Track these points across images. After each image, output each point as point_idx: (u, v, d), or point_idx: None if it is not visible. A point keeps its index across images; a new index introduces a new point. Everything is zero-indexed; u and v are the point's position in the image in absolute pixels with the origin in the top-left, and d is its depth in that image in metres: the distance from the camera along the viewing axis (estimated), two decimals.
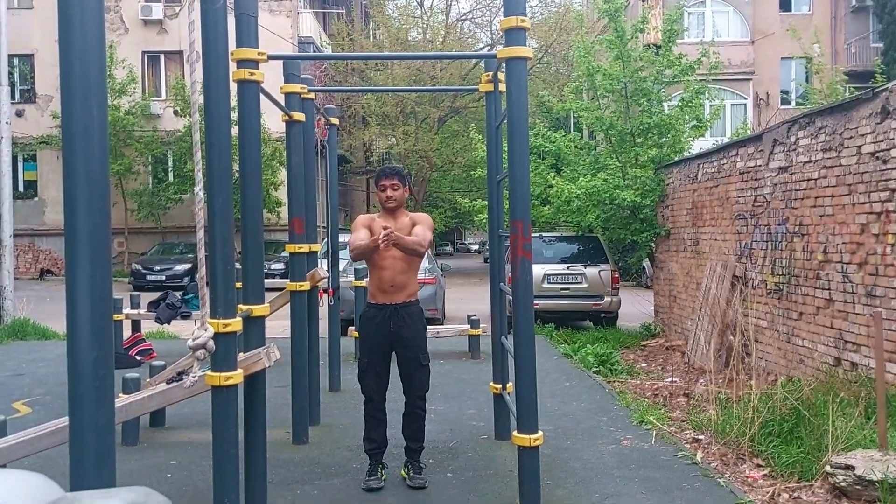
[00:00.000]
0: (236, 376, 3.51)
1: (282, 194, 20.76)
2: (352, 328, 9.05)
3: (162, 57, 25.18)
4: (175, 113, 22.93)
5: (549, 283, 12.25)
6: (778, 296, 7.59)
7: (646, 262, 16.02)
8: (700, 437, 5.54)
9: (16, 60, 23.27)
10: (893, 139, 5.67)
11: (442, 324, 11.75)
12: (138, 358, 8.32)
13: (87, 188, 2.04)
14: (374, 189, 5.00)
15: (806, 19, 24.93)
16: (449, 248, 52.61)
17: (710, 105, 14.84)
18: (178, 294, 8.71)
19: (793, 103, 24.51)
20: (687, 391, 7.17)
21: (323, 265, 6.91)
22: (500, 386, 5.38)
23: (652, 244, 12.39)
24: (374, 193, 4.56)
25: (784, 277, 7.46)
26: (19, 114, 23.30)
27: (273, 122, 12.26)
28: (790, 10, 25.96)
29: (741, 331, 7.27)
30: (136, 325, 8.97)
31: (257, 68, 4.01)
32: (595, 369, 8.35)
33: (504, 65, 4.11)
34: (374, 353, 4.47)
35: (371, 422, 4.51)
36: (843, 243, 6.37)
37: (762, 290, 7.94)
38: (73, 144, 2.03)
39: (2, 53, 11.94)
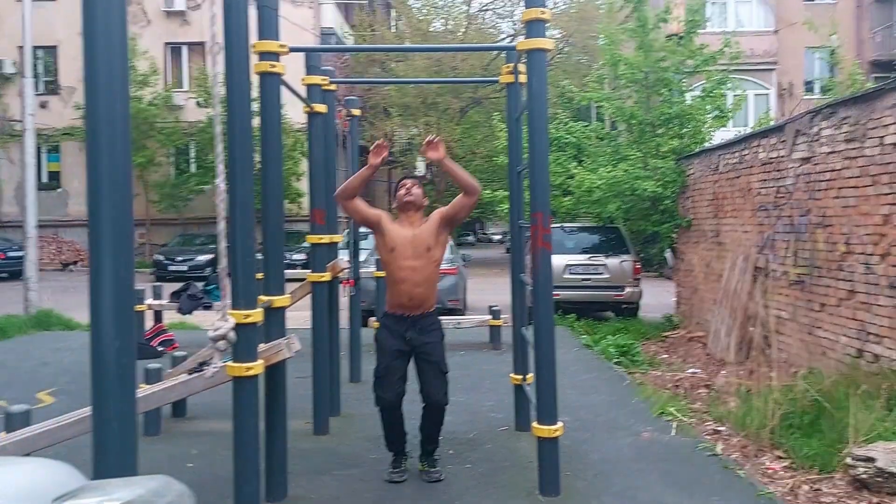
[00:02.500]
0: (257, 367, 3.55)
1: (303, 185, 20.86)
2: (372, 318, 9.09)
3: (184, 48, 25.34)
4: (198, 104, 23.07)
5: (570, 273, 12.21)
6: (800, 287, 7.52)
7: (667, 253, 15.92)
8: (720, 428, 5.52)
9: (39, 52, 23.51)
10: None
11: (463, 314, 11.77)
12: (160, 348, 8.42)
13: (109, 181, 2.07)
14: (395, 179, 4.98)
15: (830, 8, 24.55)
16: (471, 239, 52.58)
17: (733, 95, 14.68)
18: (200, 285, 8.79)
19: (817, 93, 24.17)
20: (708, 383, 7.14)
21: (344, 256, 6.95)
22: (520, 377, 5.39)
23: (673, 235, 12.31)
24: (396, 185, 4.50)
25: (806, 269, 7.39)
26: (43, 105, 23.56)
27: (295, 112, 12.30)
28: (814, 0, 25.60)
29: (762, 323, 7.21)
30: (158, 316, 9.07)
31: (279, 60, 4.03)
32: (616, 360, 8.33)
33: (524, 56, 4.10)
34: (392, 363, 4.33)
35: (388, 427, 4.45)
36: (866, 234, 6.29)
37: (784, 281, 7.87)
38: (96, 138, 2.06)
39: (26, 46, 12.08)
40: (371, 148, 4.39)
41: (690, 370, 8.01)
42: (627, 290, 12.24)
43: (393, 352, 4.34)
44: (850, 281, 6.56)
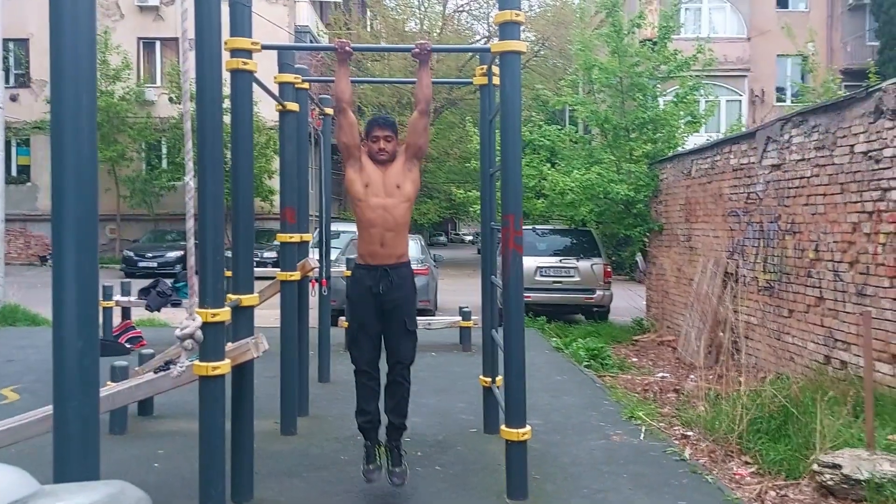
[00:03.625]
0: (224, 366, 3.51)
1: (275, 183, 20.71)
2: (342, 318, 9.05)
3: (158, 43, 25.05)
4: (170, 100, 22.83)
5: (541, 275, 12.25)
6: (769, 293, 7.61)
7: (638, 257, 16.05)
8: (689, 433, 5.56)
9: (11, 45, 23.12)
10: (886, 139, 5.68)
11: (434, 315, 11.76)
12: (128, 345, 8.30)
13: (74, 176, 2.03)
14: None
15: (803, 17, 24.92)
16: (443, 239, 52.61)
17: (705, 101, 14.84)
18: (169, 282, 8.69)
19: (788, 100, 24.52)
20: (677, 387, 7.20)
21: (314, 255, 6.90)
22: (489, 379, 5.38)
23: (645, 239, 12.41)
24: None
25: (775, 275, 7.48)
26: (13, 98, 23.17)
27: (267, 110, 12.21)
28: (787, 8, 25.96)
29: (732, 328, 7.29)
30: (126, 313, 8.94)
31: (251, 58, 3.99)
32: (586, 363, 8.36)
33: (498, 58, 4.10)
34: (364, 317, 4.17)
35: (364, 392, 4.22)
36: (835, 242, 6.38)
37: (753, 287, 7.96)
38: (61, 133, 2.02)
39: None
40: (335, 43, 4.26)
41: (660, 374, 8.06)
42: (598, 293, 12.31)
43: (365, 311, 4.17)
44: (818, 288, 6.65)
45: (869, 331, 4.61)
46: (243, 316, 4.00)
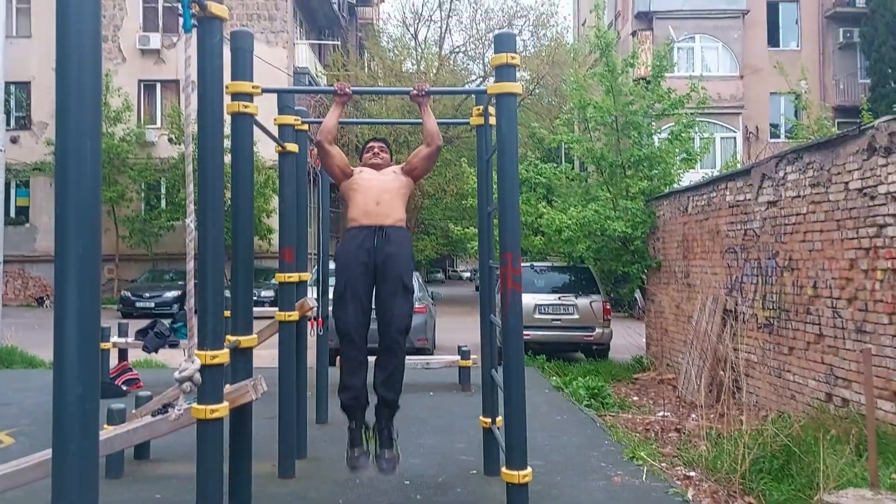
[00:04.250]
0: (222, 409, 3.48)
1: (273, 222, 20.77)
2: (340, 358, 9.00)
3: (158, 85, 25.32)
4: (170, 140, 23.01)
5: (540, 313, 12.23)
6: (768, 330, 7.60)
7: (637, 294, 16.05)
8: (691, 473, 5.51)
9: (12, 88, 23.33)
10: (880, 176, 5.73)
11: (432, 354, 11.70)
12: (124, 388, 8.24)
13: (77, 219, 2.03)
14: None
15: (794, 55, 25.27)
16: (440, 276, 52.55)
17: (700, 138, 14.99)
18: (167, 322, 8.66)
19: (782, 137, 24.76)
20: (678, 426, 7.14)
21: (312, 293, 6.90)
22: (489, 420, 5.34)
23: (643, 276, 12.42)
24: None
25: (774, 312, 7.48)
26: (14, 140, 23.33)
27: (266, 150, 12.28)
28: (778, 46, 26.34)
29: (732, 365, 7.26)
30: (123, 354, 8.89)
31: (252, 101, 4.03)
32: (586, 402, 8.31)
33: (494, 99, 4.15)
34: (354, 274, 3.84)
35: (349, 365, 3.87)
36: (833, 278, 6.40)
37: (753, 324, 7.95)
38: (65, 176, 2.03)
39: None
40: (336, 87, 4.35)
41: (661, 413, 8.01)
42: (598, 330, 12.27)
43: (355, 267, 3.88)
44: (817, 325, 6.65)
45: (869, 368, 4.61)
46: (242, 357, 3.98)
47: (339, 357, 3.82)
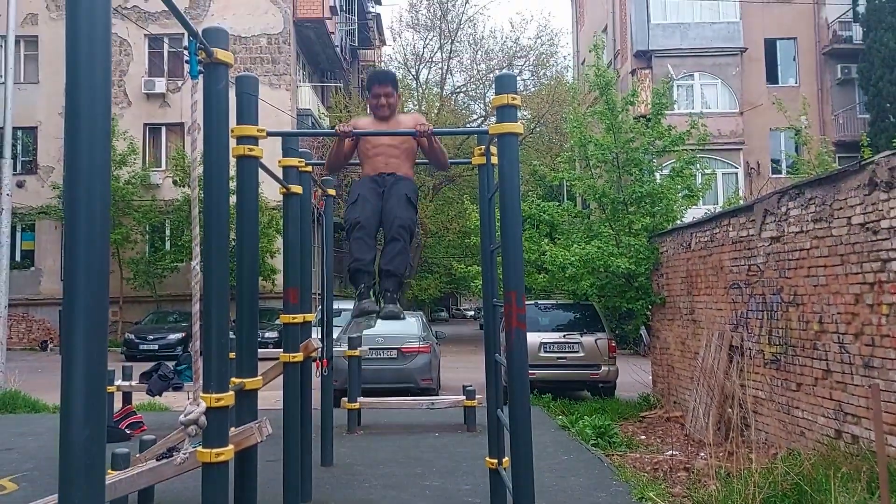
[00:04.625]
0: (227, 452, 3.46)
1: (277, 262, 20.81)
2: (345, 399, 8.96)
3: (163, 129, 25.59)
4: (174, 183, 23.17)
5: (545, 351, 12.17)
6: (776, 366, 7.56)
7: (643, 331, 15.98)
8: None
9: (19, 132, 23.59)
10: (882, 210, 5.75)
11: (437, 394, 11.63)
12: (128, 431, 8.19)
13: (85, 265, 2.04)
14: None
15: (793, 91, 25.51)
16: (444, 315, 52.39)
17: (702, 174, 15.06)
18: (171, 365, 8.64)
19: (783, 172, 24.88)
20: (687, 465, 7.06)
21: (316, 333, 6.89)
22: (496, 461, 5.29)
23: (648, 312, 12.39)
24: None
25: (781, 347, 7.44)
26: (20, 184, 23.51)
27: (270, 191, 12.36)
28: (777, 83, 26.59)
29: (740, 402, 7.20)
30: (127, 397, 8.86)
31: (256, 144, 4.08)
32: (593, 442, 8.22)
33: (496, 139, 4.19)
34: (367, 192, 4.28)
35: (359, 244, 4.23)
36: (839, 313, 6.38)
37: (759, 360, 7.91)
38: (75, 222, 2.05)
39: (6, 128, 12.14)
40: (336, 128, 4.44)
41: (669, 452, 7.92)
42: (603, 368, 12.20)
43: (367, 190, 4.31)
44: (824, 360, 6.61)
45: (878, 404, 4.57)
46: (247, 399, 3.97)
47: (350, 242, 4.28)
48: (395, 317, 4.15)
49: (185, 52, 3.19)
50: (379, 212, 4.30)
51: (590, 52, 15.12)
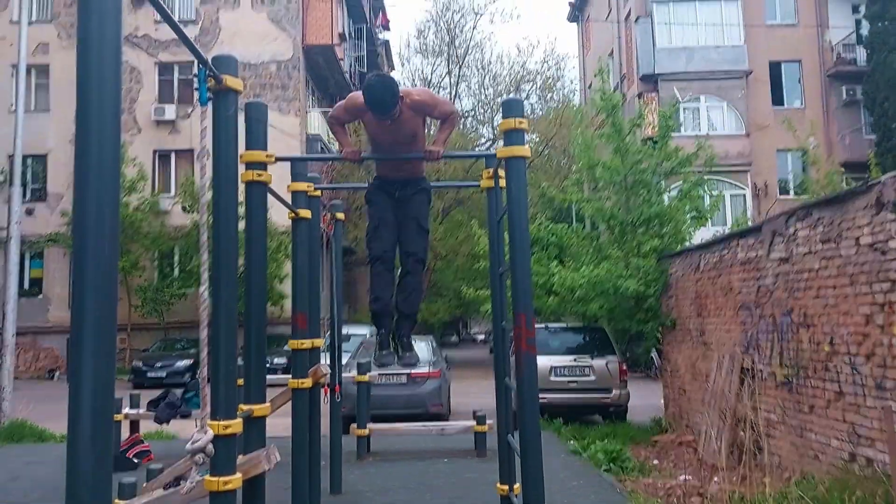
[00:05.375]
0: (235, 481, 3.43)
1: (286, 287, 20.81)
2: (354, 425, 8.90)
3: (173, 155, 25.74)
4: (183, 209, 23.26)
5: (555, 375, 12.09)
6: (787, 388, 7.48)
7: (653, 354, 15.88)
8: None
9: (30, 160, 23.79)
10: (890, 231, 5.71)
11: (447, 419, 11.55)
12: (135, 460, 8.16)
13: (94, 293, 2.05)
14: None
15: (799, 113, 25.53)
16: (454, 339, 52.15)
17: (710, 196, 15.05)
18: (179, 392, 8.61)
19: (791, 193, 24.83)
20: (701, 490, 6.97)
21: (325, 359, 6.86)
22: (507, 487, 5.23)
23: (658, 335, 12.31)
24: None
25: (792, 369, 7.37)
26: (29, 212, 23.63)
27: (279, 216, 12.39)
28: (783, 105, 26.62)
29: (752, 425, 7.12)
30: (134, 426, 8.82)
31: (265, 170, 4.10)
32: (605, 467, 8.14)
33: (504, 163, 4.20)
34: (383, 214, 4.58)
35: (380, 280, 4.57)
36: (849, 334, 6.32)
37: (771, 382, 7.83)
38: (84, 249, 2.05)
39: (16, 156, 12.25)
40: (343, 152, 4.64)
41: (682, 477, 7.83)
42: (615, 392, 12.10)
43: (383, 206, 4.62)
44: (836, 382, 6.54)
45: (892, 426, 4.51)
46: (255, 426, 3.94)
47: (371, 275, 4.66)
48: (412, 366, 4.63)
49: (196, 80, 3.22)
50: (396, 237, 4.62)
51: (595, 76, 15.18)
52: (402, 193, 4.63)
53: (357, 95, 4.51)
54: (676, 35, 26.39)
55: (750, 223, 13.79)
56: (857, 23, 26.50)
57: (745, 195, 25.87)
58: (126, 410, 8.62)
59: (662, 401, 12.04)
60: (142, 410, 8.62)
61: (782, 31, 26.67)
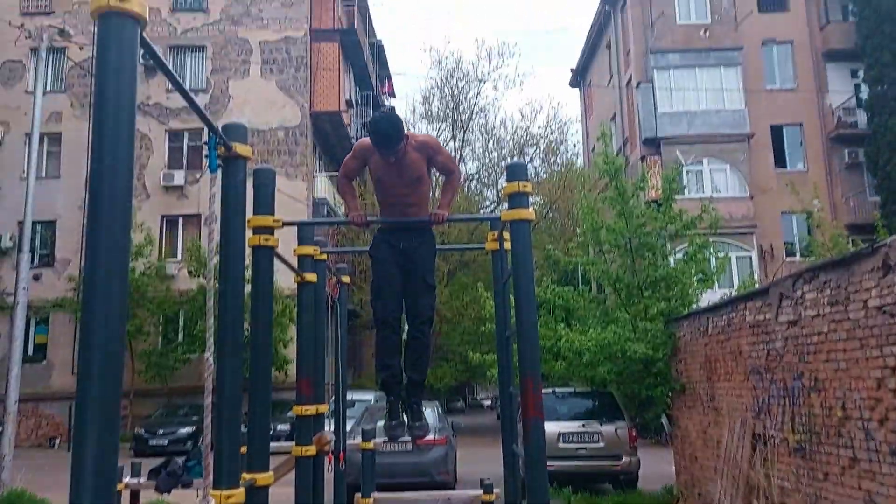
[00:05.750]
0: None
1: (290, 352, 20.69)
2: (358, 494, 8.71)
3: (180, 220, 25.97)
4: (189, 273, 23.32)
5: (563, 442, 11.90)
6: (801, 455, 7.33)
7: (664, 419, 15.65)
8: None
9: (38, 226, 23.98)
10: None
11: (454, 488, 11.32)
12: None
13: (101, 362, 2.03)
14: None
15: (802, 175, 25.73)
16: (460, 404, 51.50)
17: (716, 258, 15.05)
18: (181, 460, 8.48)
19: (798, 255, 24.82)
20: None
21: (329, 425, 6.77)
22: None
23: (668, 399, 12.15)
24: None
25: (805, 435, 7.24)
26: (36, 277, 23.72)
27: (285, 279, 12.41)
28: (785, 167, 26.84)
29: (766, 494, 6.96)
30: (135, 496, 8.65)
31: (272, 234, 4.12)
32: None
33: (508, 225, 4.22)
34: (387, 272, 4.48)
35: (386, 345, 4.49)
36: (861, 399, 6.23)
37: (784, 448, 7.68)
38: (92, 319, 2.04)
39: (26, 223, 12.39)
40: (350, 216, 4.60)
41: None
42: (625, 458, 11.88)
43: (388, 263, 4.50)
44: (850, 448, 6.41)
45: None
46: (258, 496, 3.86)
47: (377, 340, 4.60)
48: (422, 436, 4.55)
49: (205, 146, 3.27)
50: (401, 294, 4.54)
51: (598, 139, 15.40)
52: (407, 245, 4.53)
53: (363, 140, 4.64)
54: (677, 99, 26.83)
55: (757, 285, 13.74)
56: (857, 87, 26.94)
57: (751, 257, 25.87)
58: (127, 479, 8.46)
59: (674, 468, 11.80)
60: (143, 480, 8.46)
61: (783, 95, 27.10)
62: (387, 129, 4.27)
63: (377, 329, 4.54)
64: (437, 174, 5.12)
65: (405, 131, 4.36)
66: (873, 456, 6.05)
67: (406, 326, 4.75)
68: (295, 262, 5.56)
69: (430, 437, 11.57)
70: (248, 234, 3.94)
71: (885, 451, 5.88)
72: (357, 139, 31.05)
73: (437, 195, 5.12)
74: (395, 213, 4.57)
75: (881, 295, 5.92)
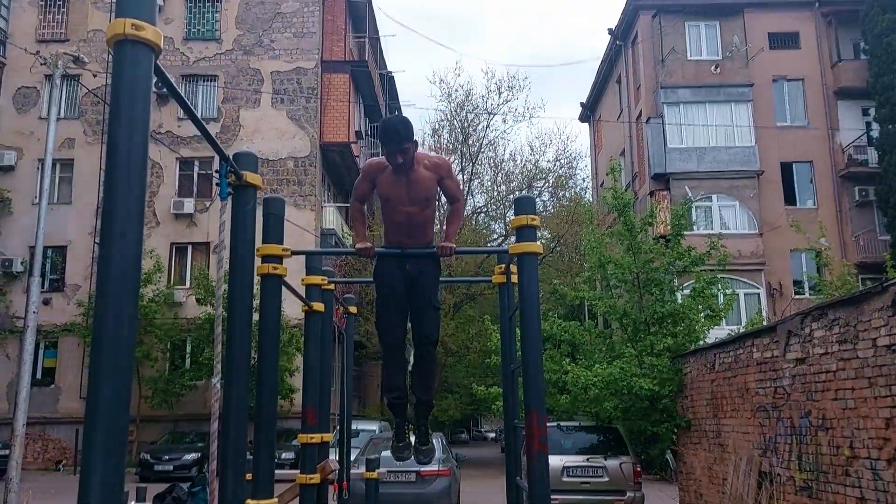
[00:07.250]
0: None
1: (296, 381, 20.65)
2: None
3: (189, 247, 26.09)
4: (197, 301, 23.37)
5: (568, 476, 11.79)
6: (807, 493, 7.26)
7: (669, 455, 15.51)
8: None
9: (49, 251, 24.14)
10: None
11: None
12: None
13: (110, 385, 2.06)
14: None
15: (811, 213, 25.67)
16: (465, 436, 51.07)
17: (723, 295, 15.00)
18: (186, 486, 8.46)
19: (806, 293, 24.67)
20: None
21: (334, 454, 6.75)
22: None
23: (673, 436, 12.05)
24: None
25: (812, 473, 7.17)
26: (46, 302, 23.82)
27: (292, 309, 12.43)
28: (795, 205, 26.77)
29: None
30: None
31: (281, 263, 4.17)
32: None
33: (516, 259, 4.25)
34: (392, 292, 4.47)
35: (392, 367, 4.49)
36: (870, 438, 6.18)
37: (791, 487, 7.60)
38: (100, 347, 2.07)
39: (37, 248, 12.50)
40: (356, 247, 4.58)
41: None
42: (629, 494, 11.75)
43: (392, 284, 4.49)
44: (858, 487, 6.35)
45: None
46: None
47: (383, 362, 4.63)
48: (428, 462, 4.56)
49: (216, 175, 3.33)
50: (406, 315, 4.54)
51: (607, 174, 15.47)
52: (413, 266, 4.51)
53: (371, 160, 4.70)
54: (687, 135, 26.94)
55: (765, 323, 13.69)
56: (868, 125, 26.97)
57: (759, 294, 25.76)
58: None
59: None
60: None
61: (793, 132, 27.12)
62: (395, 124, 4.34)
63: (383, 351, 4.56)
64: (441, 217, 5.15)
65: (415, 138, 4.38)
66: (881, 496, 5.99)
67: (412, 348, 4.76)
68: (303, 292, 5.59)
69: (434, 467, 11.50)
70: (257, 262, 3.99)
71: (894, 492, 5.82)
72: None
73: (441, 227, 5.12)
74: (401, 233, 4.54)
75: (890, 334, 5.90)
